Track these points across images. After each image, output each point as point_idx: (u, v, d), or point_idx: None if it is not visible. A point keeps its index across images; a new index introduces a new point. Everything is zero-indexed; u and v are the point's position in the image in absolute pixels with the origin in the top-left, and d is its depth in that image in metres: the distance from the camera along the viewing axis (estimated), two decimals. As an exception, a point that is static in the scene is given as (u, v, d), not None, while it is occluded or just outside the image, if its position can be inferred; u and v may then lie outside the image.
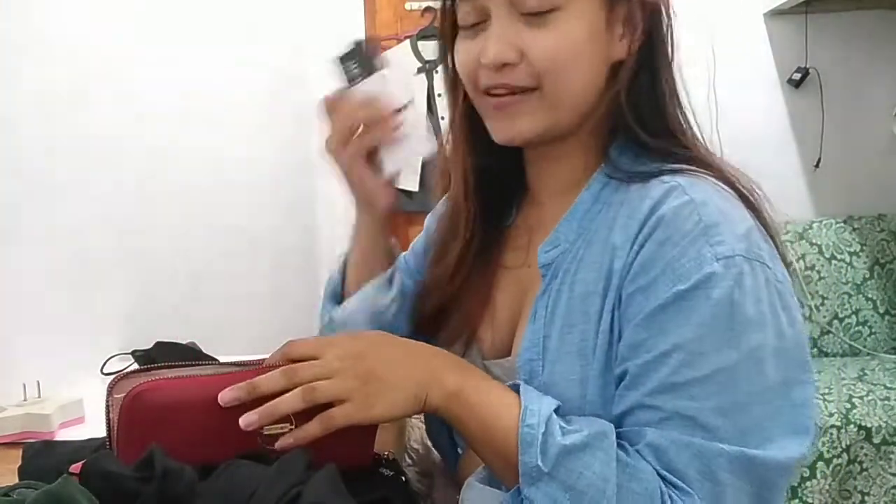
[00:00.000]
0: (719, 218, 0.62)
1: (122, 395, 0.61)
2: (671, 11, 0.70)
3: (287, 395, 0.59)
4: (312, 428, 0.60)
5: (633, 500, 0.57)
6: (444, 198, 0.86)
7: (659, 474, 0.58)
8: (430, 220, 0.91)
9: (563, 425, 0.60)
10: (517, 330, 0.74)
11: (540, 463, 0.57)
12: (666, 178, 0.65)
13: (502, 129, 0.70)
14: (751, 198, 0.68)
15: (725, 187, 0.66)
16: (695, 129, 0.72)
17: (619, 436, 0.61)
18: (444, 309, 0.80)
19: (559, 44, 0.65)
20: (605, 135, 0.72)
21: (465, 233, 0.78)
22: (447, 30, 0.73)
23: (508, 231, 0.80)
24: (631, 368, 0.62)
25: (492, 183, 0.78)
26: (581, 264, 0.68)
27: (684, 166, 0.67)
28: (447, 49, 0.74)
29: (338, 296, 0.88)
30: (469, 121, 0.75)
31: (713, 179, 0.66)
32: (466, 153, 0.77)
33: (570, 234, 0.70)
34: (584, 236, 0.69)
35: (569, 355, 0.66)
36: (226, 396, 0.59)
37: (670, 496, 0.57)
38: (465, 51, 0.69)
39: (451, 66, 0.74)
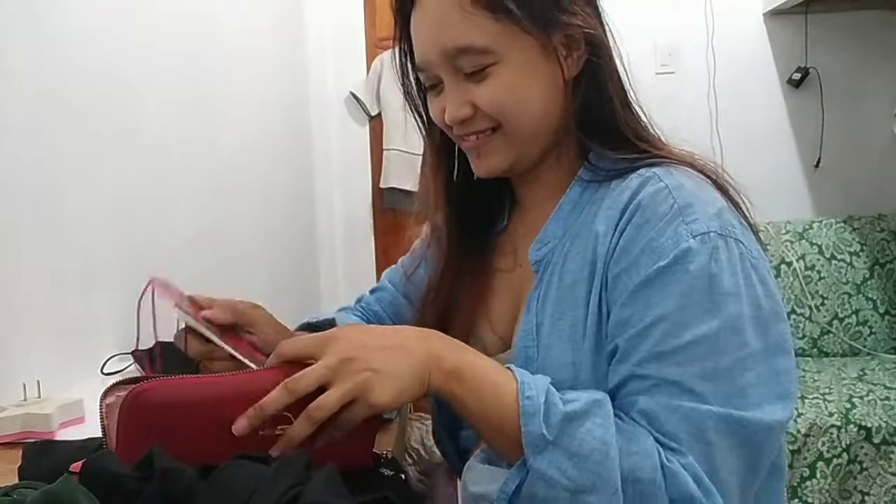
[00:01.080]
0: (692, 200, 0.67)
1: (114, 399, 0.62)
2: (606, 24, 0.76)
3: (297, 422, 0.59)
4: (335, 433, 0.61)
5: (633, 461, 0.59)
6: (426, 226, 0.91)
7: (653, 437, 0.61)
8: (417, 245, 0.97)
9: (562, 395, 0.63)
10: (515, 326, 0.77)
11: (544, 432, 0.59)
12: (642, 171, 0.70)
13: (479, 167, 0.78)
14: (720, 182, 0.72)
15: (697, 174, 0.72)
16: (654, 129, 0.77)
17: (613, 407, 0.64)
18: (443, 318, 0.83)
19: (501, 92, 0.72)
20: (580, 143, 0.77)
21: (450, 246, 0.84)
22: (413, 88, 0.83)
23: (500, 238, 0.86)
24: (620, 343, 0.66)
25: (484, 198, 0.85)
26: (568, 256, 0.73)
27: (658, 160, 0.72)
28: (417, 103, 0.84)
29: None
30: (445, 154, 0.83)
31: (685, 168, 0.72)
32: (445, 180, 0.84)
33: (557, 231, 0.76)
34: (569, 232, 0.75)
35: (560, 340, 0.71)
36: (239, 426, 0.59)
37: (666, 456, 0.60)
38: (434, 108, 0.78)
39: (423, 113, 0.83)
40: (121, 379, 0.65)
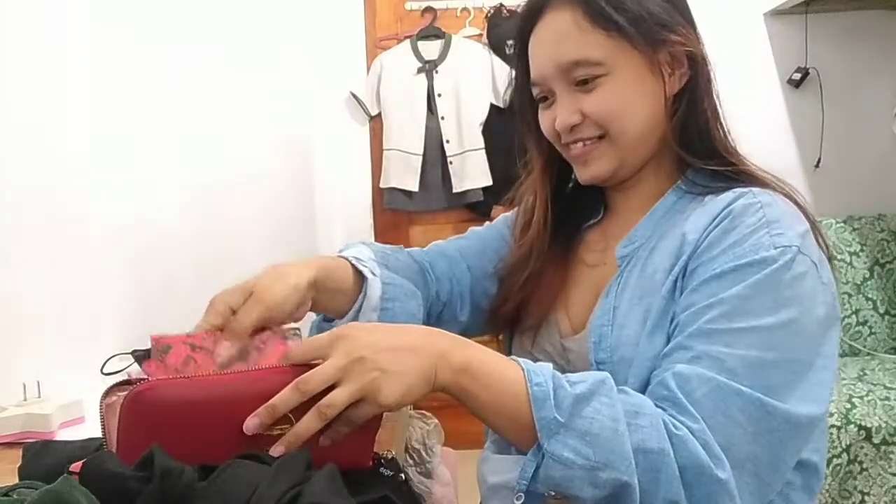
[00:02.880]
0: (781, 217, 0.71)
1: (115, 399, 0.61)
2: (703, 47, 0.82)
3: (306, 417, 0.59)
4: (341, 429, 0.61)
5: (641, 434, 0.62)
6: (522, 224, 0.94)
7: (675, 400, 0.64)
8: (500, 223, 0.99)
9: (569, 378, 0.64)
10: (590, 313, 0.81)
11: (556, 415, 0.61)
12: (739, 189, 0.75)
13: (583, 173, 0.84)
14: (808, 212, 0.77)
15: (789, 201, 0.76)
16: (738, 151, 0.83)
17: (654, 374, 0.69)
18: (522, 303, 0.88)
19: (609, 101, 0.79)
20: (677, 157, 0.82)
21: (542, 236, 0.89)
22: (524, 103, 0.89)
23: (589, 233, 0.90)
24: (680, 320, 0.70)
25: (575, 199, 0.91)
26: (654, 252, 0.78)
27: (755, 183, 0.78)
28: (528, 116, 0.89)
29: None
30: (554, 164, 0.89)
31: (781, 194, 0.77)
32: (548, 191, 0.90)
33: (646, 232, 0.81)
34: (657, 233, 0.80)
35: (635, 321, 0.75)
36: (250, 425, 0.59)
37: (674, 423, 0.62)
38: (544, 119, 0.85)
39: (533, 125, 0.88)
40: (122, 379, 0.65)
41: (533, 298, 0.87)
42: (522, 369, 0.64)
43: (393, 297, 0.82)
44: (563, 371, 0.68)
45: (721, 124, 0.83)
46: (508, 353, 0.90)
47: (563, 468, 0.61)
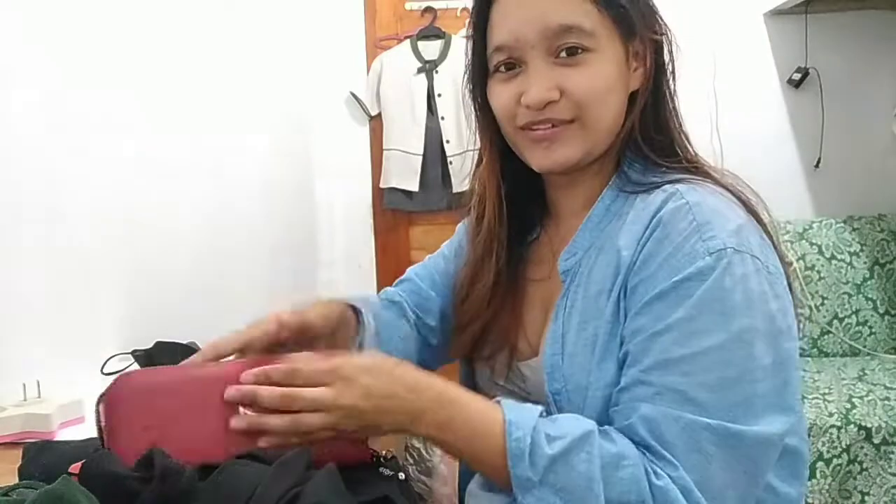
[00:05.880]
0: (711, 217, 0.68)
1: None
2: (673, 43, 0.78)
3: (282, 423, 0.62)
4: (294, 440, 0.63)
5: (621, 487, 0.61)
6: (475, 218, 0.89)
7: (649, 446, 0.63)
8: (460, 232, 0.97)
9: (549, 433, 0.64)
10: (543, 333, 0.79)
11: (530, 474, 0.61)
12: (667, 187, 0.72)
13: (543, 159, 0.76)
14: (746, 199, 0.74)
15: (721, 191, 0.73)
16: (692, 145, 0.80)
17: (615, 410, 0.67)
18: (485, 329, 0.85)
19: (594, 80, 0.72)
20: (617, 155, 0.79)
21: (499, 254, 0.84)
22: (478, 76, 0.80)
23: (533, 247, 0.87)
24: (630, 349, 0.67)
25: (519, 206, 0.86)
26: (594, 268, 0.74)
27: (685, 176, 0.74)
28: (478, 92, 0.81)
29: None
30: (500, 154, 0.83)
31: (711, 185, 0.73)
32: (499, 182, 0.83)
33: (584, 242, 0.77)
34: (595, 244, 0.76)
35: (584, 349, 0.72)
36: (229, 392, 0.63)
37: (654, 471, 0.62)
38: (503, 93, 0.76)
39: (479, 107, 0.82)
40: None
41: (493, 323, 0.84)
42: (504, 420, 0.64)
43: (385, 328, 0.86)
44: (525, 400, 0.70)
45: (678, 120, 0.79)
46: (468, 380, 0.90)
47: None
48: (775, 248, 0.72)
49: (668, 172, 0.75)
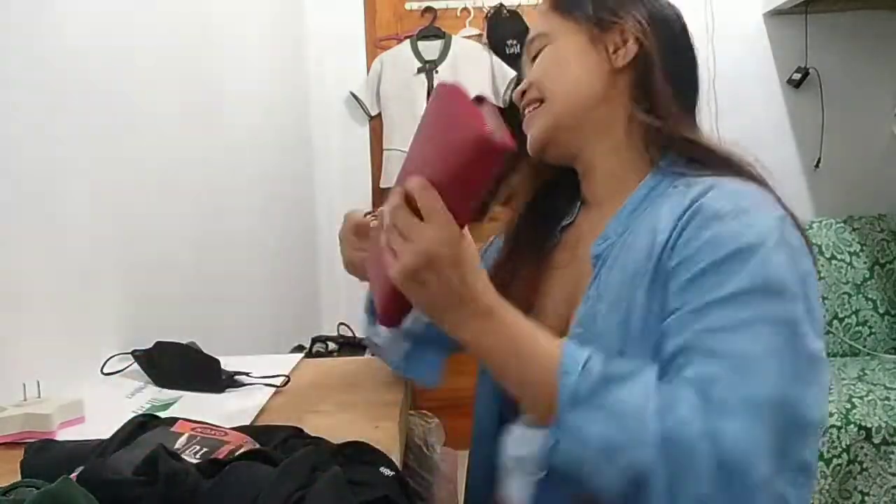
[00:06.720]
0: (753, 206, 0.69)
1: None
2: (675, 21, 0.86)
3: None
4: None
5: (674, 420, 0.58)
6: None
7: (699, 402, 0.59)
8: (494, 246, 0.98)
9: (606, 361, 0.63)
10: (570, 317, 0.79)
11: (579, 388, 0.60)
12: (707, 179, 0.74)
13: (528, 141, 0.87)
14: (783, 203, 0.75)
15: (762, 189, 0.75)
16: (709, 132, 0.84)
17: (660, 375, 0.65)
18: None
19: (544, 64, 0.86)
20: (645, 149, 0.82)
21: (515, 239, 0.91)
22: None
23: (564, 235, 0.90)
24: (672, 323, 0.66)
25: (551, 198, 0.92)
26: (629, 251, 0.75)
27: (726, 171, 0.76)
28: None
29: (372, 308, 0.93)
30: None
31: (756, 182, 0.76)
32: (534, 177, 0.93)
33: (619, 228, 0.79)
34: (630, 229, 0.77)
35: (613, 329, 0.72)
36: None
37: (712, 420, 0.58)
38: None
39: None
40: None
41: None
42: (560, 344, 0.64)
43: None
44: None
45: (690, 109, 0.86)
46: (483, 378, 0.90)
47: (580, 445, 0.59)
48: (808, 246, 0.72)
49: (712, 166, 0.77)
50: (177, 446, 0.64)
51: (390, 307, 0.71)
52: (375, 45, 2.89)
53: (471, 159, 0.62)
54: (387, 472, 0.66)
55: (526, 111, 0.88)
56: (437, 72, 2.78)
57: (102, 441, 0.65)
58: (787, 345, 0.62)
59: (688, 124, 0.83)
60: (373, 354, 1.08)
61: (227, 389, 0.93)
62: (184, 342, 1.03)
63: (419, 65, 2.78)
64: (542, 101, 0.85)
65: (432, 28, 2.82)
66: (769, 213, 0.69)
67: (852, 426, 1.88)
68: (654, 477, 0.57)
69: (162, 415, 0.74)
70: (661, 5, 0.86)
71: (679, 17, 0.87)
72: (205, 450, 0.63)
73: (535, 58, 0.87)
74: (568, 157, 0.87)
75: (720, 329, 0.63)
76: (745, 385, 0.60)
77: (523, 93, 0.88)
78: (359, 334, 2.00)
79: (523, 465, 0.62)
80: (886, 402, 1.95)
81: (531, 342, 0.65)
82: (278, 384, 0.94)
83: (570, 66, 0.84)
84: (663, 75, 0.81)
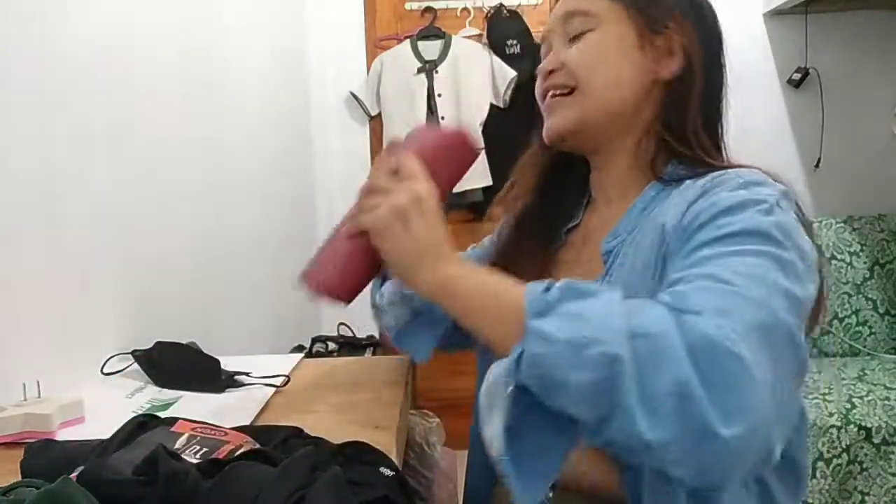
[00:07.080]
0: (759, 182, 0.69)
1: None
2: (718, 43, 0.84)
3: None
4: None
5: (641, 320, 0.56)
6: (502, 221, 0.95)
7: (674, 307, 0.57)
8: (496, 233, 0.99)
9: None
10: None
11: (547, 297, 0.59)
12: (716, 172, 0.74)
13: (545, 128, 0.85)
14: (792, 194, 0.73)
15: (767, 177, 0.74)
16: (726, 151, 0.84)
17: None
18: None
19: (587, 51, 0.81)
20: (655, 154, 0.82)
21: (519, 232, 0.90)
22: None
23: (571, 235, 0.90)
24: (670, 279, 0.64)
25: (559, 194, 0.92)
26: (638, 248, 0.75)
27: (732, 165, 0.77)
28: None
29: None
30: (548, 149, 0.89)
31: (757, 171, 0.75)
32: (542, 168, 0.92)
33: (629, 225, 0.79)
34: (639, 227, 0.77)
35: None
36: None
37: (682, 316, 0.56)
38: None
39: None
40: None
41: None
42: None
43: None
44: None
45: (713, 132, 0.83)
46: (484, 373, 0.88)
47: (547, 345, 0.56)
48: (812, 238, 0.69)
49: (714, 168, 0.77)
50: (177, 446, 0.64)
51: (348, 278, 0.76)
52: (375, 45, 2.89)
53: (448, 145, 0.77)
54: (387, 471, 0.66)
55: (550, 94, 0.83)
56: (437, 72, 2.78)
57: (102, 441, 0.65)
58: (769, 273, 0.59)
59: (707, 148, 0.81)
60: (378, 346, 1.08)
61: (227, 389, 0.93)
62: (184, 342, 1.03)
63: (419, 65, 2.78)
64: (572, 89, 0.81)
65: (432, 28, 2.82)
66: (773, 190, 0.68)
67: (852, 426, 1.88)
68: (624, 364, 0.53)
69: (162, 415, 0.74)
70: (707, 13, 0.84)
71: (719, 27, 0.85)
72: (205, 450, 0.63)
73: (573, 38, 0.82)
74: (585, 150, 0.86)
75: (705, 260, 0.62)
76: (720, 299, 0.57)
77: (550, 71, 0.83)
78: (369, 328, 1.99)
79: (496, 390, 0.58)
80: (886, 402, 1.95)
81: (502, 282, 0.66)
82: (278, 384, 0.94)
83: (614, 62, 0.80)
84: (700, 100, 0.80)
